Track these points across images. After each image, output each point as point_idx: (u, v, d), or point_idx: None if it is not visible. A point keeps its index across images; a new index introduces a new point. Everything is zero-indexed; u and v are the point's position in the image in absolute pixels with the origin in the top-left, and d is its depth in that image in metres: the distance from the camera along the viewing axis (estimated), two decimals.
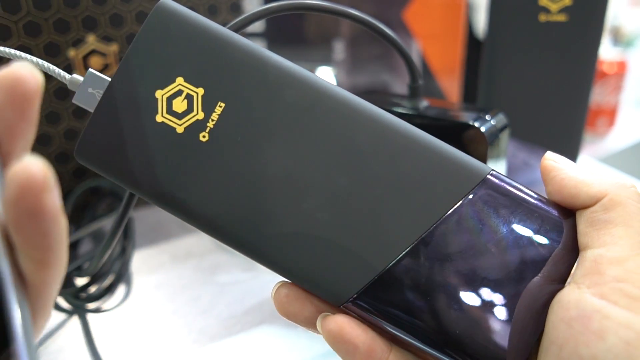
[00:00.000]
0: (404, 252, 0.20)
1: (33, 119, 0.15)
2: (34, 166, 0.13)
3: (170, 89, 0.21)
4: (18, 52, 0.21)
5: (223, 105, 0.21)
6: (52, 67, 0.22)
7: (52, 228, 0.14)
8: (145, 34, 0.21)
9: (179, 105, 0.21)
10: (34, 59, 0.21)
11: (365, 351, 0.20)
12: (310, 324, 0.21)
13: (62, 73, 0.22)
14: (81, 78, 0.22)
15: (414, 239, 0.20)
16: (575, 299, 0.18)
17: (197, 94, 0.21)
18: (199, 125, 0.21)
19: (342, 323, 0.20)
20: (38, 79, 0.14)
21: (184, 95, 0.21)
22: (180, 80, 0.21)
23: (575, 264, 0.20)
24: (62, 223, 0.14)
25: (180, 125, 0.21)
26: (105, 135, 0.21)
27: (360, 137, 0.21)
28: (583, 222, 0.20)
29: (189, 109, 0.21)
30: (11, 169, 0.13)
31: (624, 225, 0.19)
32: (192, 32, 0.21)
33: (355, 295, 0.20)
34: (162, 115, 0.21)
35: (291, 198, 0.20)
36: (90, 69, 0.22)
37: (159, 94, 0.21)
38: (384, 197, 0.20)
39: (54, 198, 0.14)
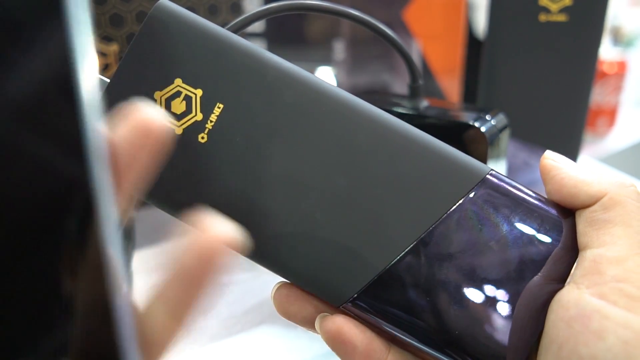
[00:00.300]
0: (403, 252, 0.20)
1: (158, 164, 0.14)
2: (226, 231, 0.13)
3: (169, 90, 0.21)
4: None
5: (222, 106, 0.21)
6: None
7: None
8: (143, 35, 0.21)
9: (178, 106, 0.21)
10: None
11: (363, 351, 0.20)
12: (310, 324, 0.21)
13: None
14: None
15: (413, 239, 0.20)
16: (575, 298, 0.18)
17: (196, 95, 0.21)
18: (198, 127, 0.21)
19: (341, 323, 0.20)
20: (169, 128, 0.14)
21: (182, 96, 0.21)
22: (178, 81, 0.21)
23: (575, 264, 0.20)
24: None
25: (178, 126, 0.21)
26: None
27: (359, 138, 0.21)
28: (582, 221, 0.20)
29: (188, 110, 0.21)
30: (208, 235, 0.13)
31: (623, 225, 0.19)
32: (190, 33, 0.21)
33: (354, 296, 0.20)
34: None
35: (290, 199, 0.20)
36: None
37: (157, 95, 0.21)
38: (383, 197, 0.20)
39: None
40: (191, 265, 0.13)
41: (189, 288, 0.14)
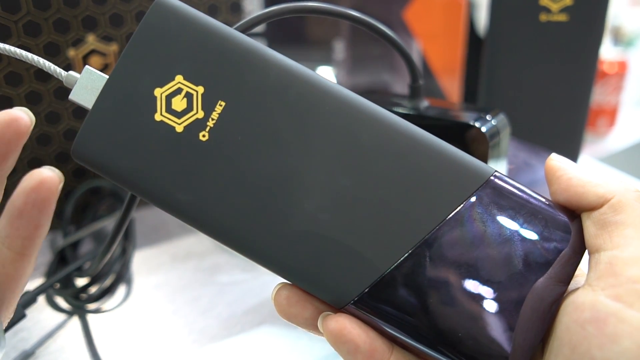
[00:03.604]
0: (406, 254, 0.20)
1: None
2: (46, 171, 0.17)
3: (170, 87, 0.21)
4: (16, 49, 0.21)
5: (223, 104, 0.21)
6: (47, 63, 0.21)
7: (47, 221, 0.17)
8: (144, 30, 0.21)
9: (179, 103, 0.21)
10: (31, 55, 0.21)
11: (366, 351, 0.20)
12: (311, 326, 0.21)
13: (58, 70, 0.22)
14: (78, 75, 0.21)
15: (417, 241, 0.20)
16: (590, 300, 0.18)
17: (197, 92, 0.21)
18: (199, 124, 0.20)
19: (344, 322, 0.20)
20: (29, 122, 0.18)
21: (183, 93, 0.21)
22: (179, 78, 0.21)
23: (588, 266, 0.19)
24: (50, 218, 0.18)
25: (179, 124, 0.20)
26: (103, 134, 0.20)
27: (363, 137, 0.20)
28: (592, 224, 0.19)
29: (189, 108, 0.21)
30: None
31: (634, 227, 0.18)
32: (192, 29, 0.21)
33: (356, 298, 0.20)
34: (161, 114, 0.20)
35: (292, 198, 0.20)
36: (87, 66, 0.21)
37: (157, 92, 0.21)
38: (386, 197, 0.20)
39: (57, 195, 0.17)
40: (20, 203, 0.17)
41: (23, 223, 0.17)
